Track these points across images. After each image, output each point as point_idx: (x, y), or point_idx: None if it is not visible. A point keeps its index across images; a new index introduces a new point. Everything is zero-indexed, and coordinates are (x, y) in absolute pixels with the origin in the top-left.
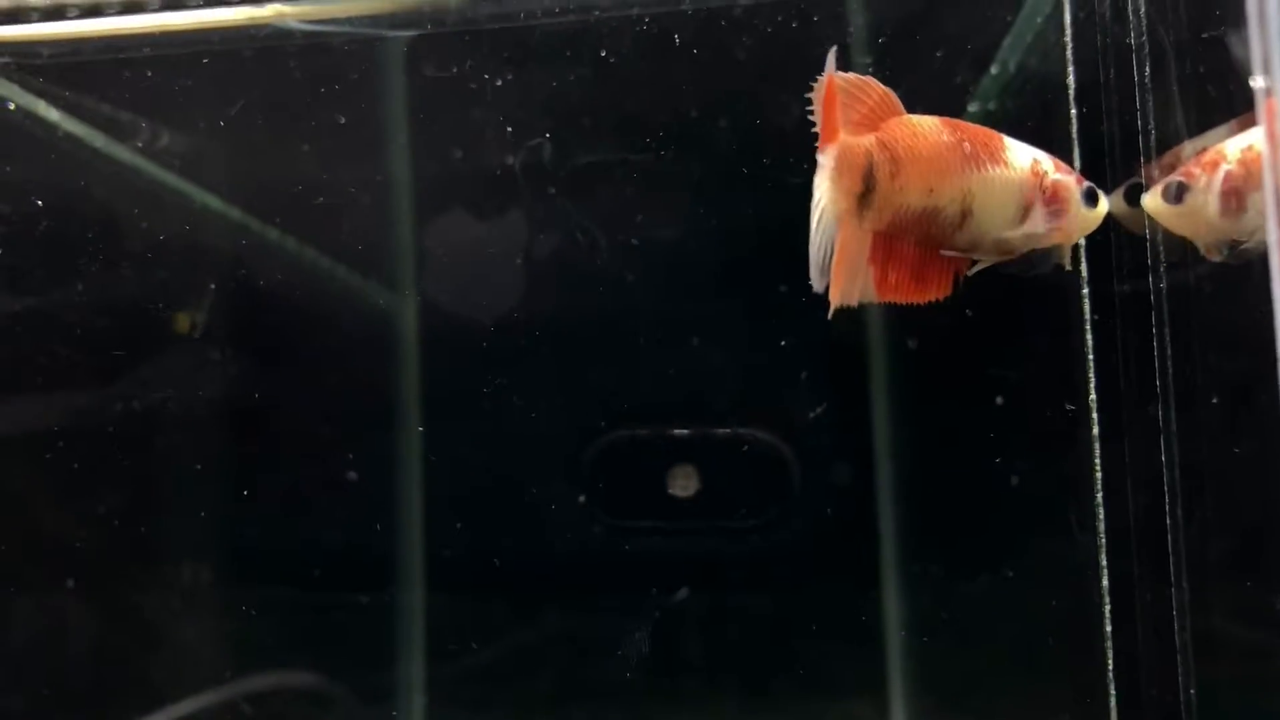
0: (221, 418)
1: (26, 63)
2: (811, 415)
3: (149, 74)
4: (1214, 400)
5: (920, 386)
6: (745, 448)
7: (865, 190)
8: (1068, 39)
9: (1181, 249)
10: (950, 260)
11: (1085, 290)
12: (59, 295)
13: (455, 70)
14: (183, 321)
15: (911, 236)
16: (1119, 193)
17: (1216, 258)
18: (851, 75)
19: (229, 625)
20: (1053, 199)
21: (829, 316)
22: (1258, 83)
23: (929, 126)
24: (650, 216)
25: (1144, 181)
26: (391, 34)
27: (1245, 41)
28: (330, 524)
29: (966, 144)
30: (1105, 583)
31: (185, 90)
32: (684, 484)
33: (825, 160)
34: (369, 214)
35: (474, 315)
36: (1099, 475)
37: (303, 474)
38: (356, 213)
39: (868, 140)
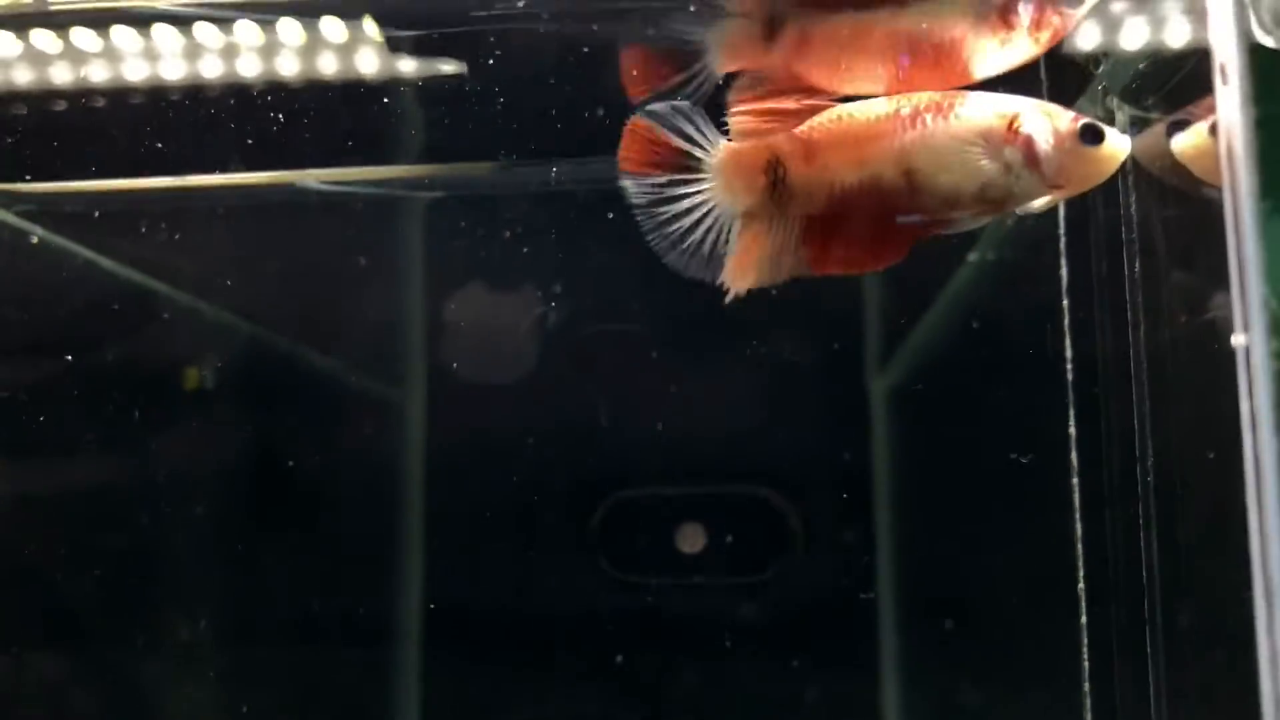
0: (220, 479)
1: (51, 210)
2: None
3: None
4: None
5: (923, 449)
6: (748, 508)
7: (773, 182)
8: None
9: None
10: (908, 227)
11: (1069, 355)
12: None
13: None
14: (192, 377)
15: (862, 210)
16: (1156, 130)
17: None
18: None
19: (226, 685)
20: (1029, 141)
21: (726, 300)
22: (1239, 340)
23: (860, 106)
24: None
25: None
26: (411, 194)
27: (1228, 303)
28: (328, 583)
29: (905, 109)
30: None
31: (202, 247)
32: (691, 542)
33: (714, 166)
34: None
35: (479, 369)
36: (1080, 561)
37: (303, 533)
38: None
39: (770, 139)
